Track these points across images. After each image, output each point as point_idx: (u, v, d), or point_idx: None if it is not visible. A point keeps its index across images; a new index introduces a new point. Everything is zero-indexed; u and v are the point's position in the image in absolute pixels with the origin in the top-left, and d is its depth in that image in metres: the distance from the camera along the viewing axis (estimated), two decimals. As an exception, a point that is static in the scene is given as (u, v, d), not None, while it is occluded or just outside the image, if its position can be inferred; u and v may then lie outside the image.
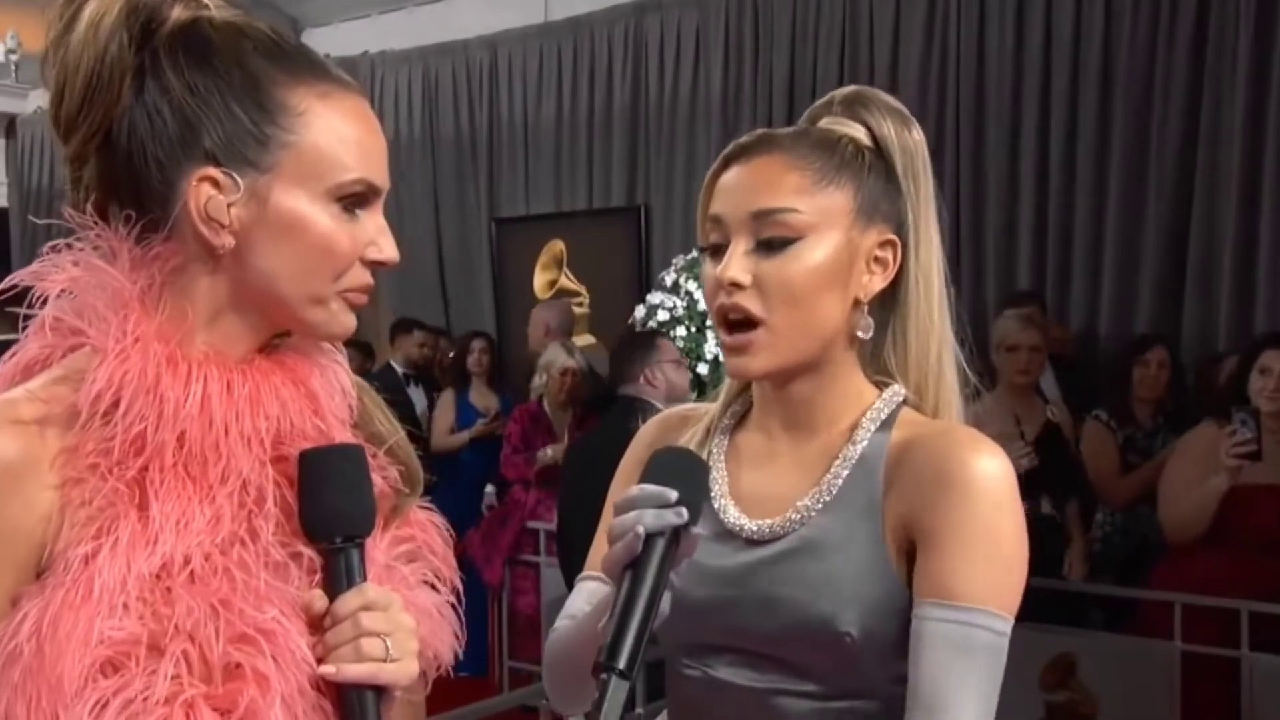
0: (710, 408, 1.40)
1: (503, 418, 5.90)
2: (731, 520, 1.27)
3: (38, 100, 8.86)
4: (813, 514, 1.24)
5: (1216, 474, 3.54)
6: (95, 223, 1.03)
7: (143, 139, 1.01)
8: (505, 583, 5.51)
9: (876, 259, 1.26)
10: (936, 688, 1.14)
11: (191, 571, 0.98)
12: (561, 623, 1.35)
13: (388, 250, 1.06)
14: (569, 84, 7.19)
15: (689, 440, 1.34)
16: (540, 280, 7.16)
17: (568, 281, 7.11)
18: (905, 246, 1.27)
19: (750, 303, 1.22)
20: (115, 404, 0.98)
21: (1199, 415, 3.85)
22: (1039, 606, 3.27)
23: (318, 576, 1.03)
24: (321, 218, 1.02)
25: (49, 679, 0.93)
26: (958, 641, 1.14)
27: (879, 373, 1.30)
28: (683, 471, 1.13)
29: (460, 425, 6.16)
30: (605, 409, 5.26)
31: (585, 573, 1.37)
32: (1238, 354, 3.98)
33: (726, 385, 1.39)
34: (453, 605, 1.14)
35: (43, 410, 0.99)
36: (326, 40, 7.61)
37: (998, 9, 5.61)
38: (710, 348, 4.84)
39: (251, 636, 0.98)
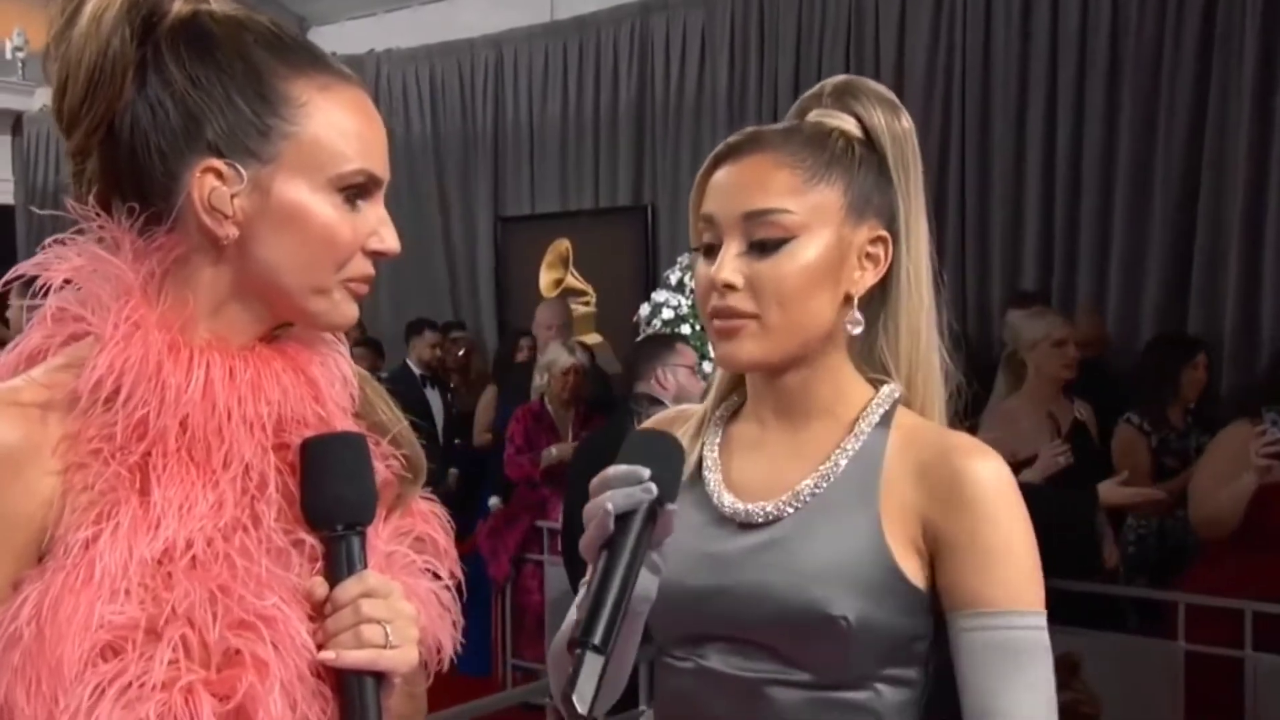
0: (705, 405, 1.40)
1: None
2: (726, 506, 1.28)
3: (44, 98, 8.85)
4: (808, 499, 1.24)
5: (1248, 472, 3.53)
6: (98, 215, 1.04)
7: (145, 131, 1.02)
8: (509, 580, 5.52)
9: (868, 255, 1.27)
10: (989, 693, 1.17)
11: (193, 556, 0.99)
12: (569, 619, 1.35)
13: (389, 240, 1.07)
14: (574, 83, 7.20)
15: (683, 434, 1.34)
16: (546, 279, 7.16)
17: (574, 280, 7.12)
18: (896, 239, 1.27)
19: (743, 304, 1.23)
20: (117, 390, 0.98)
21: (1227, 414, 3.83)
22: (1063, 606, 3.22)
23: (319, 564, 1.04)
24: (323, 208, 1.03)
25: (49, 662, 0.93)
26: (1000, 644, 1.17)
27: (872, 365, 1.31)
28: (655, 451, 1.13)
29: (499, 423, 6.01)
30: (608, 407, 5.26)
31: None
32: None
33: (717, 378, 1.39)
34: (454, 596, 1.14)
35: (45, 396, 0.99)
36: (332, 38, 7.62)
37: (1004, 3, 5.61)
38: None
39: (251, 623, 0.98)
